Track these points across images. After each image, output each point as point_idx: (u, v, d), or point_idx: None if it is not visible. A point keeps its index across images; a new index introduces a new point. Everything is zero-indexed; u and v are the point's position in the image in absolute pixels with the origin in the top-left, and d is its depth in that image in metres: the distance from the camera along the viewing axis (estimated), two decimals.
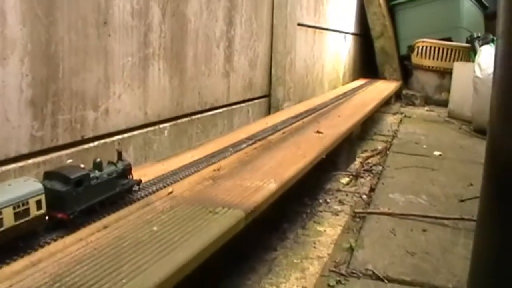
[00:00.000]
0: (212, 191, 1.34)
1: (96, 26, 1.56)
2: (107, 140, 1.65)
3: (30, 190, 0.95)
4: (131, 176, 1.25)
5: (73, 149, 1.51)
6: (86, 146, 1.56)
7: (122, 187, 1.20)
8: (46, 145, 1.41)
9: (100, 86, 1.59)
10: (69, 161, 1.47)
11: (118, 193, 1.19)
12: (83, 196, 1.06)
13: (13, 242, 0.93)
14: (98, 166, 1.14)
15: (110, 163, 1.19)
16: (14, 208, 0.91)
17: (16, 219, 0.91)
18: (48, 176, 1.05)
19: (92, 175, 1.10)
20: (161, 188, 1.34)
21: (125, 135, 1.73)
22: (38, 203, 0.96)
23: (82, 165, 1.11)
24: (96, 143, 1.60)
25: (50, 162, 1.42)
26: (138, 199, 1.24)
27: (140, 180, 1.29)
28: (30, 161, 1.37)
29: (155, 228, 1.08)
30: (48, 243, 0.98)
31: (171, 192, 1.31)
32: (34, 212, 0.95)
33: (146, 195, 1.27)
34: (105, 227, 1.08)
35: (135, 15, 1.72)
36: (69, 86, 1.47)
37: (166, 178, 1.41)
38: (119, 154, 1.24)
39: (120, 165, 1.20)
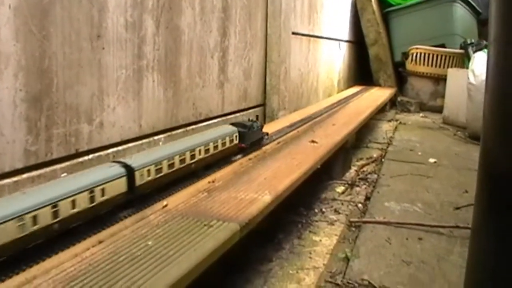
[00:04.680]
0: (207, 204, 1.34)
1: (89, 40, 1.56)
2: (102, 153, 1.65)
3: (228, 131, 1.82)
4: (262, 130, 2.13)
5: (67, 163, 1.51)
6: (80, 159, 1.56)
7: (261, 135, 2.10)
8: (40, 159, 1.41)
9: (94, 99, 1.59)
10: (63, 175, 1.47)
11: (260, 138, 2.07)
12: (250, 136, 1.94)
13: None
14: (251, 122, 2.00)
15: (252, 121, 2.02)
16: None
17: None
18: (235, 124, 1.89)
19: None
20: (156, 201, 1.34)
21: (120, 148, 1.73)
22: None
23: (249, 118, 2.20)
24: (90, 156, 1.60)
25: (44, 176, 1.42)
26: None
27: (267, 133, 2.18)
28: (25, 175, 1.37)
29: (150, 243, 1.08)
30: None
31: (165, 206, 1.31)
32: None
33: (141, 209, 1.27)
34: (100, 242, 1.08)
35: (129, 28, 1.73)
36: (63, 100, 1.47)
37: (161, 191, 1.41)
38: (257, 117, 2.33)
39: (258, 123, 2.04)
